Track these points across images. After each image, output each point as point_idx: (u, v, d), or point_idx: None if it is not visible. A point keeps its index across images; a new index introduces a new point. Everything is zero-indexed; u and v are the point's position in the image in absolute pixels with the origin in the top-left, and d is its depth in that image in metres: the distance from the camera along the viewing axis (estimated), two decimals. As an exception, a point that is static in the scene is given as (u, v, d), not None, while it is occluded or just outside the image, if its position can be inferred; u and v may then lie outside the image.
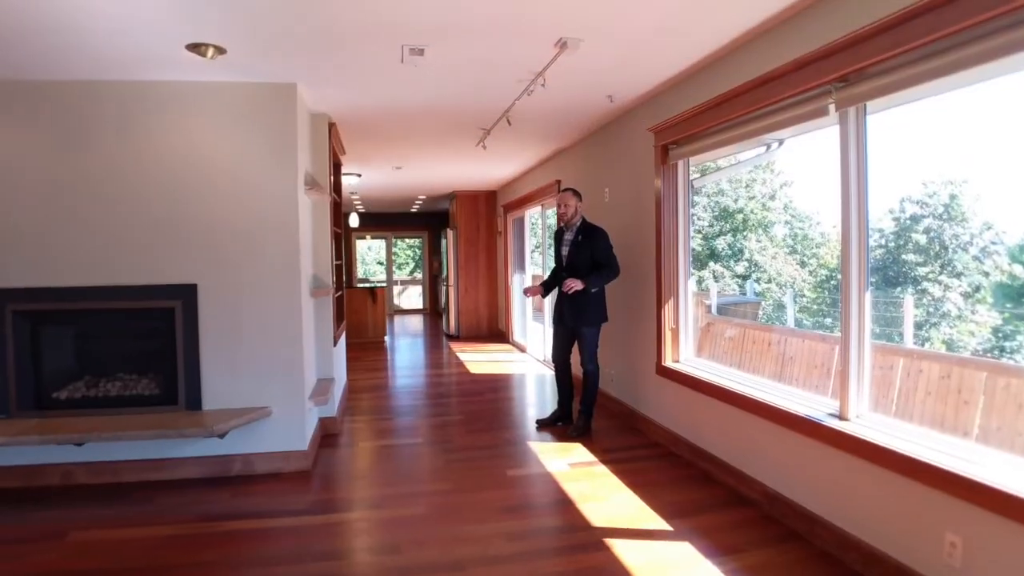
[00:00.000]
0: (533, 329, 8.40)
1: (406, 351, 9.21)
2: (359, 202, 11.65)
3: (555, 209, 4.95)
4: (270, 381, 3.84)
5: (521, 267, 9.08)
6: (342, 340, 5.62)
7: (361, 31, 2.96)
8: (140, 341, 3.98)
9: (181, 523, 3.12)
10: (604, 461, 3.86)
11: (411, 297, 16.02)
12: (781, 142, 3.66)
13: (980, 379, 3.36)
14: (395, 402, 5.75)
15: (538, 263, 9.18)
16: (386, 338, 10.09)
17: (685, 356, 4.18)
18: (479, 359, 7.88)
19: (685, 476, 3.59)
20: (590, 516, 3.06)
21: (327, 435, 4.57)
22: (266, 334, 3.83)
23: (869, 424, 2.45)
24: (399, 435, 4.66)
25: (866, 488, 2.39)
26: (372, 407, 5.54)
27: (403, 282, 16.19)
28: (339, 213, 5.72)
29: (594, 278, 4.33)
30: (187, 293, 3.77)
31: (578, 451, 4.09)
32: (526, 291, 5.26)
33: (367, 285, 11.70)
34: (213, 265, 3.77)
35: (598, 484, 3.50)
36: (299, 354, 3.87)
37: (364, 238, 16.29)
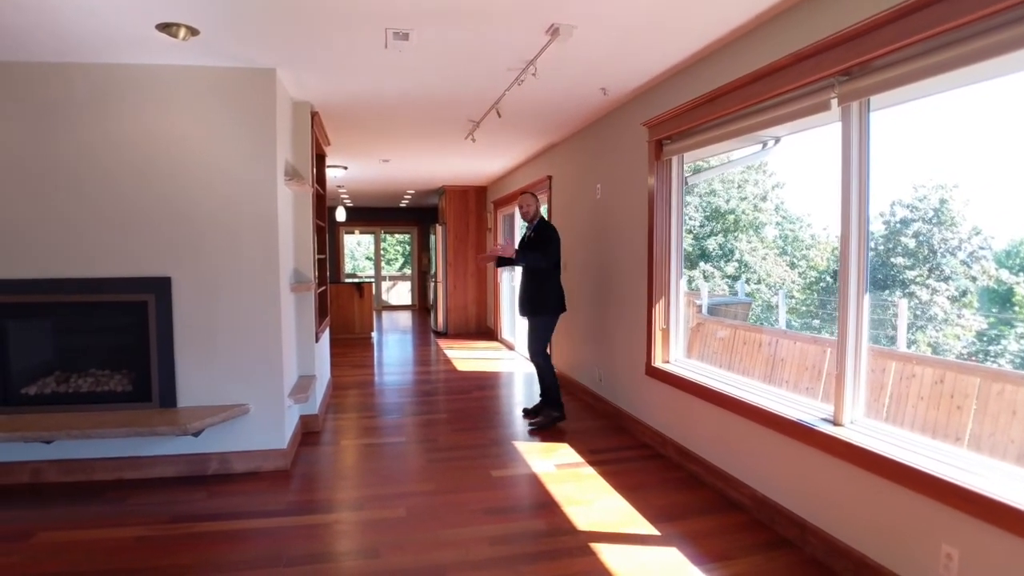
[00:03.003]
0: (522, 326, 8.30)
1: (393, 347, 9.08)
2: (347, 196, 11.50)
3: (545, 205, 5.23)
4: (248, 378, 3.72)
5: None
6: (325, 336, 5.50)
7: (343, 13, 2.84)
8: (113, 336, 3.84)
9: (154, 524, 3.00)
10: (591, 462, 3.77)
11: (400, 293, 15.87)
12: (777, 140, 3.58)
13: (974, 384, 3.30)
14: (380, 399, 5.64)
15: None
16: (373, 334, 9.96)
17: (675, 357, 4.10)
18: (467, 356, 7.77)
19: (673, 479, 3.51)
20: (575, 519, 2.97)
21: (308, 433, 4.45)
22: (244, 330, 3.71)
23: (864, 430, 2.37)
24: (382, 433, 4.55)
25: (860, 495, 2.32)
26: (356, 404, 5.43)
27: (392, 278, 16.05)
28: (323, 206, 5.59)
29: (527, 255, 4.59)
30: (161, 287, 3.63)
31: (564, 452, 4.00)
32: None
33: (354, 280, 11.55)
34: (188, 258, 3.64)
35: (584, 486, 3.41)
36: (278, 351, 3.75)
37: (352, 233, 16.12)
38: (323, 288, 5.45)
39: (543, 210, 5.47)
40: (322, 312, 5.52)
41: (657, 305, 4.08)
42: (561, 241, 4.79)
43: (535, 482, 3.49)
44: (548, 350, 4.76)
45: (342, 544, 2.84)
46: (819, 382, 4.62)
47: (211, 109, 3.63)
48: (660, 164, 4.07)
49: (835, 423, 2.48)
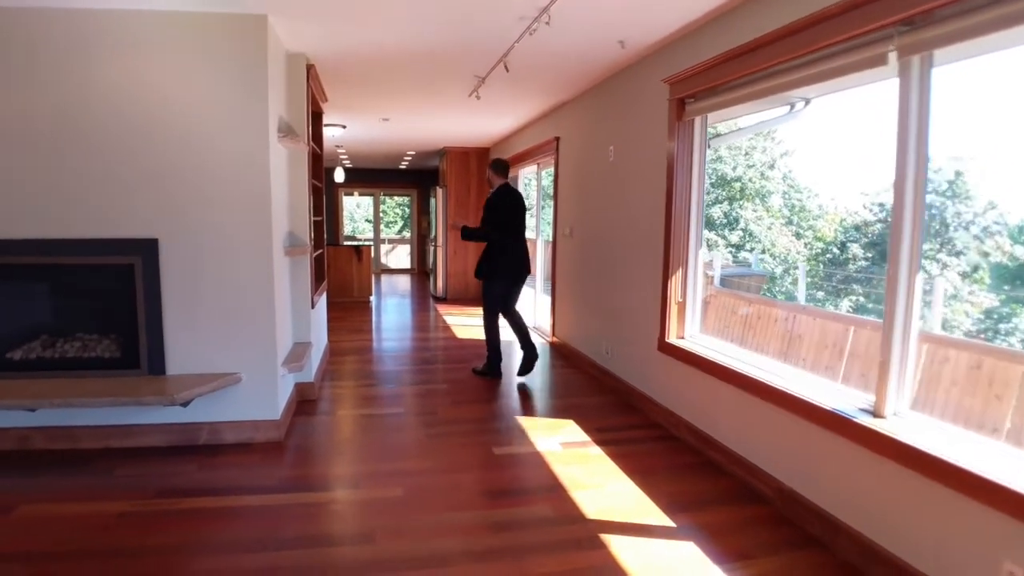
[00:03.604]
0: (522, 295, 8.09)
1: (392, 312, 8.89)
2: (345, 157, 11.16)
3: (551, 168, 5.69)
4: (239, 345, 3.52)
5: (513, 229, 8.71)
6: (322, 301, 5.28)
7: (342, -52, 2.54)
8: (100, 300, 3.62)
9: (140, 498, 2.84)
10: (599, 442, 3.60)
11: (399, 256, 15.62)
12: (807, 102, 3.32)
13: (1017, 373, 3.08)
14: (378, 367, 5.46)
15: (530, 226, 8.81)
16: (371, 298, 9.76)
17: (690, 332, 3.89)
18: (466, 323, 7.58)
19: (688, 464, 3.33)
20: (584, 506, 2.79)
21: (304, 401, 4.28)
22: (235, 295, 3.49)
23: (910, 424, 2.17)
24: (380, 404, 4.37)
25: (904, 497, 2.12)
26: (354, 372, 5.25)
27: (391, 241, 15.77)
28: (320, 166, 5.32)
29: (468, 230, 5.03)
30: (147, 248, 3.40)
31: (570, 429, 3.82)
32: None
33: (353, 243, 11.30)
34: (175, 218, 3.40)
35: (592, 468, 3.23)
36: (270, 317, 3.54)
37: (352, 195, 15.80)
38: (320, 251, 5.22)
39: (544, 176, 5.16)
40: (319, 276, 5.29)
41: (673, 277, 3.86)
42: (517, 207, 4.94)
43: (540, 462, 3.32)
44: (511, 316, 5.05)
45: (335, 527, 2.66)
46: (840, 361, 4.42)
47: (198, 59, 3.34)
48: (681, 125, 3.80)
49: (876, 414, 2.27)
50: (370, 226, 17.50)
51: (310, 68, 4.30)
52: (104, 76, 3.27)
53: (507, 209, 4.90)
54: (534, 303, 7.22)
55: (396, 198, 19.90)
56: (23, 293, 3.54)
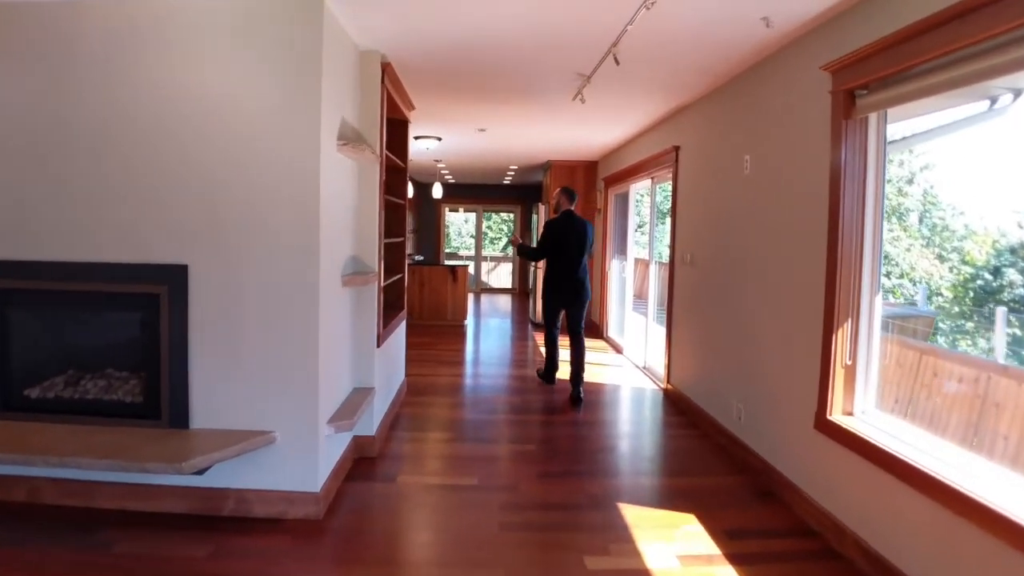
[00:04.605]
0: (633, 324, 7.11)
1: (486, 339, 8.20)
2: (447, 171, 10.69)
3: (667, 183, 5.50)
4: (276, 398, 2.88)
5: (622, 251, 7.74)
6: (399, 332, 4.63)
7: None
8: (127, 332, 3.14)
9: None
10: (731, 557, 2.61)
11: (501, 275, 15.01)
12: (1018, 93, 2.30)
13: None
14: (459, 413, 4.72)
15: (643, 244, 7.83)
16: (466, 322, 9.13)
17: (863, 407, 2.82)
18: (566, 358, 6.71)
19: (867, 611, 2.28)
20: None
21: (361, 459, 3.60)
22: (272, 335, 2.86)
23: None
24: (453, 469, 3.60)
25: None
26: (430, 418, 4.54)
27: (494, 259, 15.20)
28: (402, 180, 4.70)
29: (527, 248, 5.42)
30: (176, 276, 2.85)
31: (691, 529, 2.86)
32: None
33: (454, 263, 10.80)
34: (208, 242, 2.83)
35: (724, 607, 2.27)
36: (313, 365, 2.87)
37: (457, 211, 15.45)
38: (397, 277, 4.58)
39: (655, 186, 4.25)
40: (394, 305, 4.66)
41: (839, 331, 2.81)
42: (569, 233, 4.99)
43: (648, 587, 2.40)
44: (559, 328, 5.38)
45: None
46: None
47: (236, 52, 2.78)
48: (850, 125, 2.79)
49: None
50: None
51: (385, 67, 3.67)
52: (131, 73, 2.77)
53: (560, 234, 5.00)
54: (645, 333, 6.23)
55: (502, 214, 19.44)
56: (52, 322, 3.12)
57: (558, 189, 5.31)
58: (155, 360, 2.91)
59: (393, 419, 4.37)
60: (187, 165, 2.80)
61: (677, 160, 5.14)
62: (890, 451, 2.42)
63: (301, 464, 2.90)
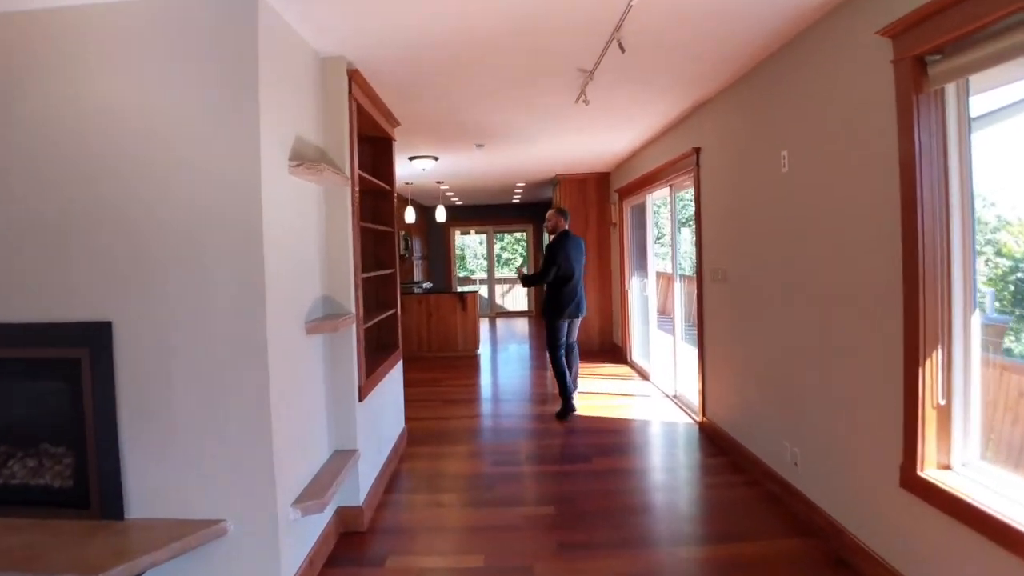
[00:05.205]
0: (660, 345, 6.47)
1: (503, 369, 7.62)
2: (451, 192, 10.20)
3: (689, 190, 5.00)
4: (225, 477, 2.34)
5: (642, 266, 7.13)
6: (392, 378, 4.09)
7: None
8: (61, 401, 2.62)
9: None
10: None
11: (515, 298, 14.43)
12: None
13: None
14: (467, 465, 4.12)
15: (665, 256, 7.22)
16: (479, 351, 8.57)
17: (964, 458, 2.20)
18: (587, 389, 6.11)
19: None
20: None
21: (347, 535, 3.05)
22: (215, 401, 2.33)
23: None
24: (455, 543, 3.01)
25: None
26: (433, 474, 3.97)
27: (508, 281, 14.63)
28: (388, 204, 4.20)
29: (527, 277, 5.36)
30: (97, 336, 2.34)
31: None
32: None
33: (464, 289, 10.27)
34: (136, 291, 2.32)
35: None
36: (266, 434, 2.33)
37: (468, 233, 14.96)
38: (389, 313, 4.05)
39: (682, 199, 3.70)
40: (387, 345, 4.14)
41: (928, 361, 2.20)
42: (569, 250, 5.11)
43: None
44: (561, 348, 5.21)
45: None
46: None
47: (159, 62, 2.28)
48: (923, 100, 2.21)
49: None
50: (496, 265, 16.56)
51: (353, 75, 3.17)
52: (35, 91, 2.29)
53: (564, 253, 5.09)
54: (673, 354, 5.61)
55: (515, 234, 18.93)
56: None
57: (551, 211, 5.43)
58: (80, 436, 2.40)
59: (389, 479, 3.80)
60: (103, 198, 2.29)
61: (698, 163, 4.56)
62: (1004, 519, 1.81)
63: (260, 558, 2.35)
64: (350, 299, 3.11)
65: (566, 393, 5.14)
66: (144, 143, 2.27)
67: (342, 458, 3.03)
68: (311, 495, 2.59)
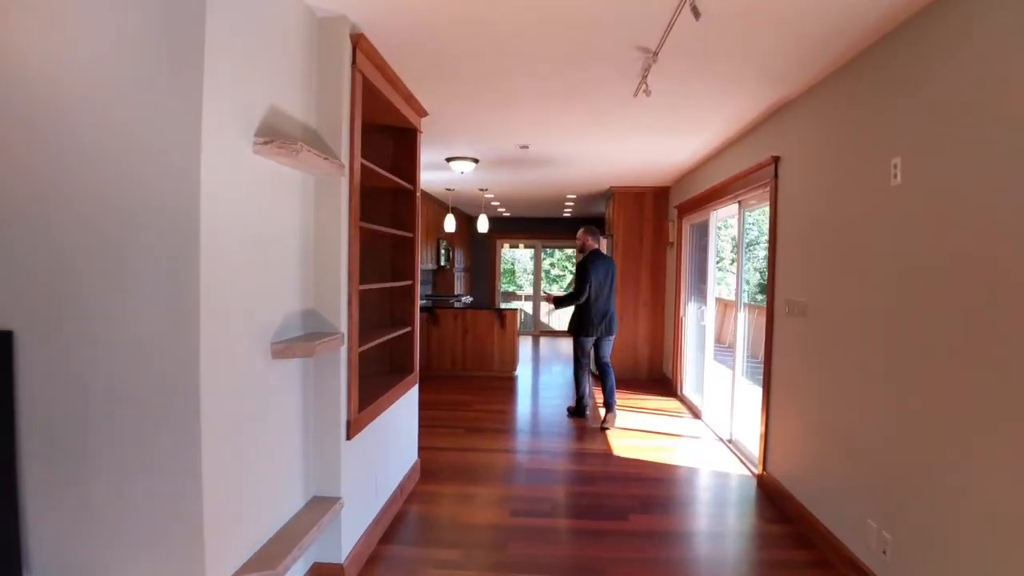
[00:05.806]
0: (715, 379, 5.70)
1: (543, 394, 6.97)
2: (496, 202, 9.67)
3: (764, 207, 4.30)
4: (151, 539, 1.80)
5: (700, 291, 6.38)
6: (402, 405, 3.52)
7: None
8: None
9: None
10: None
11: (562, 316, 13.70)
12: None
13: None
14: (480, 512, 3.51)
15: (721, 281, 6.44)
16: (516, 372, 7.95)
17: None
18: (631, 424, 5.41)
19: None
20: None
21: (320, 604, 2.47)
22: (141, 435, 1.79)
23: None
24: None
25: None
26: (438, 520, 3.37)
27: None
28: (410, 205, 3.67)
29: (560, 297, 5.63)
30: (-3, 348, 1.84)
31: None
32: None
33: (505, 305, 9.70)
34: (43, 294, 1.82)
35: None
36: (192, 486, 1.78)
37: (518, 246, 14.40)
38: (404, 331, 3.50)
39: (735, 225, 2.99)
40: (402, 367, 3.60)
41: None
42: (598, 268, 5.37)
43: None
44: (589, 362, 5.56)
45: None
46: None
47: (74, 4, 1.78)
48: None
49: None
50: (545, 280, 15.93)
51: (358, 41, 2.63)
52: (-61, 40, 1.83)
53: (594, 271, 5.32)
54: (731, 392, 4.85)
55: (566, 250, 18.27)
56: None
57: (582, 229, 5.65)
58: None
59: (390, 523, 3.23)
60: (9, 179, 1.80)
61: (777, 175, 3.85)
62: None
63: (178, 652, 1.79)
64: (340, 315, 2.55)
65: (582, 404, 5.65)
66: (47, 109, 1.77)
67: (319, 507, 2.46)
68: (262, 563, 2.02)
